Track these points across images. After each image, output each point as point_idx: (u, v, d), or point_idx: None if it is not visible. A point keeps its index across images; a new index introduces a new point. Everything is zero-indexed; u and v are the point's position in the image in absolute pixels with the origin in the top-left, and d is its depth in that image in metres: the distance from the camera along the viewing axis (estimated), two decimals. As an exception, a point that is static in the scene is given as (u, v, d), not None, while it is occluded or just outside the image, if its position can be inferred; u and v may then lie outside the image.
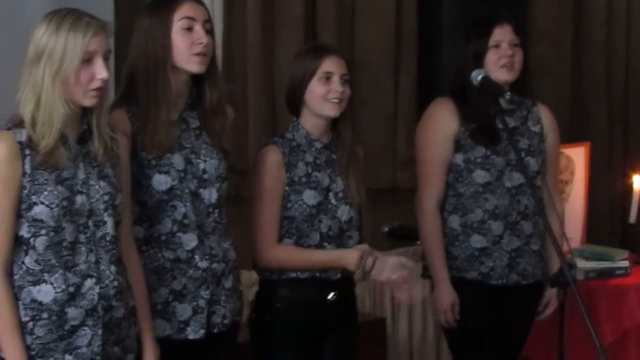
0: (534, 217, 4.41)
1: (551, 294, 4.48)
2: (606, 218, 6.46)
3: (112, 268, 3.44)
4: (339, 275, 4.06)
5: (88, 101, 3.36)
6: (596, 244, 5.46)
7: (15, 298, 3.36)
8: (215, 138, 3.79)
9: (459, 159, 4.40)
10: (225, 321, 3.82)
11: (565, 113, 6.71)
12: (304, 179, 4.02)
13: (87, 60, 3.32)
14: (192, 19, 3.69)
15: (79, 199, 3.39)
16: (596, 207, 5.80)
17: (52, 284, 3.36)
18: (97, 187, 3.42)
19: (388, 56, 6.87)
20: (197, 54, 3.67)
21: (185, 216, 3.71)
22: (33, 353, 3.35)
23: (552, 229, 4.10)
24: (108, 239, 3.44)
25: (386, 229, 5.67)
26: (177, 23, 3.67)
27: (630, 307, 5.04)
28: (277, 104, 5.97)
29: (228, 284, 3.82)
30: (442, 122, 4.42)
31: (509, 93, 4.33)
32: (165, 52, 3.66)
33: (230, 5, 6.19)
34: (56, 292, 3.36)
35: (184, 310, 3.72)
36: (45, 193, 3.34)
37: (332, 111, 4.01)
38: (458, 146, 4.39)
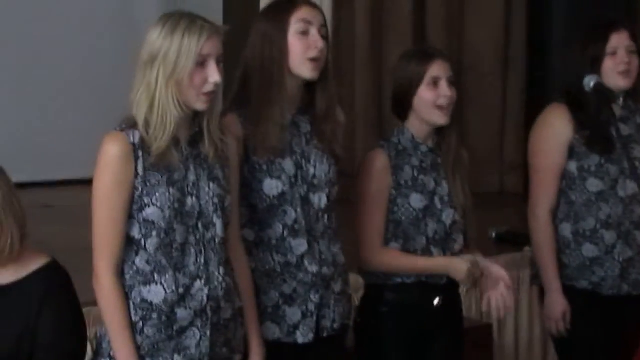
0: (648, 228, 4.37)
1: None
2: None
3: (221, 270, 3.46)
4: (444, 280, 4.05)
5: (200, 105, 3.38)
6: None
7: (126, 298, 3.40)
8: (326, 143, 3.79)
9: (573, 166, 4.37)
10: (335, 325, 3.81)
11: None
12: (410, 183, 4.02)
13: (201, 63, 3.34)
14: (308, 22, 3.68)
15: (190, 200, 3.42)
16: None
17: (162, 284, 3.40)
18: (207, 189, 3.44)
19: (497, 58, 6.89)
20: (312, 59, 3.66)
21: (295, 221, 3.71)
22: (143, 352, 3.39)
23: None
24: (217, 240, 3.46)
25: (494, 234, 5.65)
26: (294, 26, 3.67)
27: None
28: (384, 106, 5.99)
29: (337, 288, 3.81)
30: (557, 129, 4.38)
31: (622, 99, 4.31)
32: (281, 55, 3.66)
33: (338, 7, 6.23)
34: (166, 293, 3.39)
35: (293, 314, 3.72)
36: (157, 195, 3.37)
37: (442, 119, 4.01)
38: (572, 153, 4.36)
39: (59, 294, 3.41)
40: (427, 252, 4.03)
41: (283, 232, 3.72)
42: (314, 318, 3.75)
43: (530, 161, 4.53)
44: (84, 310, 3.54)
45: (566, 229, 4.41)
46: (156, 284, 3.40)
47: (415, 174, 4.03)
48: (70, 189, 6.32)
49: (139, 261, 3.41)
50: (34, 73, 6.95)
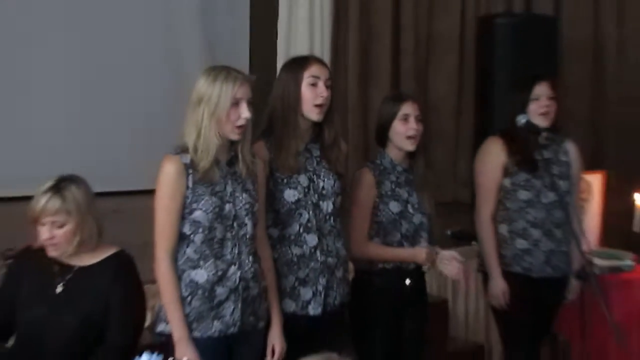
0: (564, 226, 4.35)
1: (575, 284, 4.43)
2: (616, 227, 6.36)
3: (250, 258, 3.46)
4: (413, 266, 4.04)
5: (234, 135, 3.38)
6: (608, 247, 5.39)
7: (178, 278, 3.39)
8: (332, 164, 3.78)
9: (507, 182, 4.37)
10: (336, 302, 3.79)
11: (587, 147, 6.63)
12: (389, 193, 4.01)
13: (235, 104, 3.35)
14: (317, 77, 3.68)
15: (227, 206, 3.41)
16: (608, 219, 5.72)
17: (205, 269, 3.39)
18: (240, 197, 3.44)
19: (453, 101, 6.86)
20: (317, 105, 3.66)
21: (308, 221, 3.70)
22: (190, 319, 3.38)
23: (576, 235, 4.09)
24: (247, 236, 3.45)
25: (449, 232, 5.63)
26: (306, 79, 3.66)
27: (635, 296, 4.99)
28: (370, 137, 5.97)
29: (339, 274, 3.79)
30: (494, 155, 4.39)
31: (545, 133, 4.32)
32: (296, 102, 3.66)
33: (335, 60, 6.22)
34: (208, 275, 3.39)
35: (306, 293, 3.71)
36: (203, 202, 3.37)
37: (411, 146, 4.01)
38: (506, 172, 4.37)
39: (125, 273, 3.42)
40: (400, 245, 4.01)
41: (299, 230, 3.70)
42: (322, 296, 3.73)
43: (475, 179, 4.54)
44: (145, 287, 3.54)
45: (503, 229, 4.41)
46: (201, 268, 3.40)
47: (393, 187, 4.02)
48: (135, 198, 6.26)
49: (189, 251, 3.40)
50: (108, 105, 6.89)
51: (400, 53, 6.68)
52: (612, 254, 5.19)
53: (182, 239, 3.40)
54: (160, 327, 3.46)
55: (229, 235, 3.42)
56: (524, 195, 4.35)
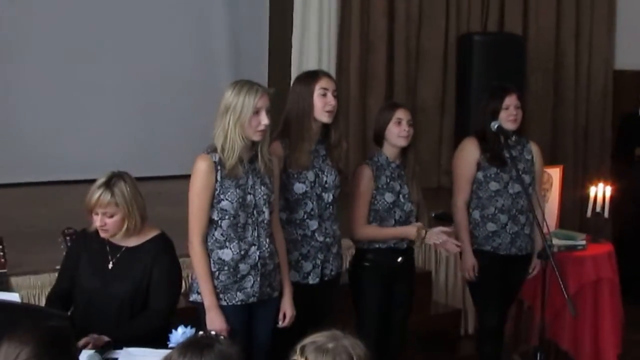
0: (527, 212, 4.33)
1: (536, 262, 4.40)
2: (571, 213, 6.37)
3: (267, 240, 3.46)
4: (405, 246, 4.03)
5: (256, 137, 3.38)
6: (565, 229, 5.37)
7: (208, 256, 3.40)
8: (335, 162, 3.76)
9: (480, 174, 4.33)
10: (332, 273, 3.79)
11: (547, 147, 6.63)
12: (384, 186, 3.98)
13: (256, 112, 3.34)
14: (326, 89, 3.65)
15: (249, 197, 3.41)
16: (566, 206, 5.70)
17: (230, 249, 3.40)
18: (260, 190, 3.43)
19: (437, 104, 6.86)
20: (328, 111, 3.65)
21: (312, 210, 3.69)
22: (218, 290, 3.40)
23: (538, 219, 4.07)
24: (265, 222, 3.45)
25: (433, 215, 5.60)
26: (317, 91, 3.64)
27: (586, 270, 4.96)
28: (367, 138, 5.97)
29: (334, 250, 3.79)
30: (469, 152, 4.35)
31: (514, 136, 4.31)
32: (308, 109, 3.64)
33: (340, 72, 6.22)
34: (233, 254, 3.39)
35: (307, 266, 3.71)
36: (229, 193, 3.37)
37: (403, 143, 3.99)
38: (479, 167, 4.32)
39: (165, 253, 3.41)
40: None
41: (303, 216, 3.69)
42: (320, 269, 3.73)
43: (453, 171, 4.49)
44: (180, 259, 3.52)
45: (476, 214, 4.38)
46: (227, 248, 3.41)
47: (388, 181, 4.00)
48: (173, 181, 6.27)
49: (217, 234, 3.41)
50: (154, 106, 6.90)
51: (393, 64, 6.68)
52: (568, 235, 5.16)
53: (211, 224, 3.40)
54: (193, 297, 3.48)
55: (250, 221, 3.41)
56: (493, 186, 4.32)
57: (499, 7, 7.00)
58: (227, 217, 3.38)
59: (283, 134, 3.68)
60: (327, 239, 3.74)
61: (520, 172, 4.26)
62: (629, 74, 7.32)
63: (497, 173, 4.31)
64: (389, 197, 3.98)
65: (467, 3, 6.87)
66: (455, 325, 5.33)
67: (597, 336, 4.95)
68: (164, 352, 2.82)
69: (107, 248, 3.38)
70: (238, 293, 3.42)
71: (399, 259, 4.02)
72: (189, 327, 2.79)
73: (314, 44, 6.07)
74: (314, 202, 3.69)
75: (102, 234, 3.33)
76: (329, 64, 6.00)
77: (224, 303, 3.40)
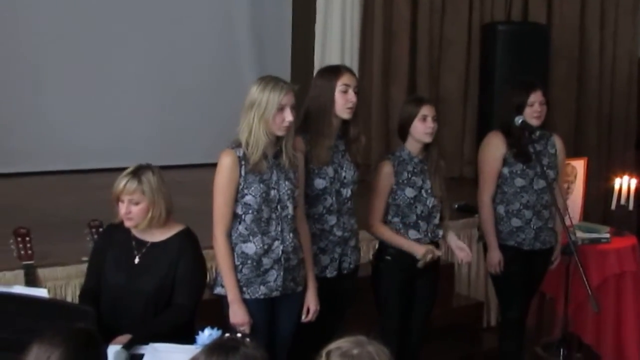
0: (551, 207, 4.30)
1: (558, 254, 4.39)
2: (596, 205, 6.32)
3: (291, 234, 3.45)
4: (428, 241, 3.96)
5: (280, 133, 3.36)
6: (589, 221, 5.33)
7: (232, 250, 3.40)
8: (353, 157, 3.74)
9: (506, 170, 4.30)
10: (350, 266, 3.77)
11: (571, 138, 6.59)
12: (405, 181, 3.94)
13: (280, 109, 3.32)
14: (347, 85, 3.61)
15: (273, 192, 3.40)
16: (590, 198, 5.66)
17: (254, 243, 3.39)
18: (283, 185, 3.42)
19: (460, 94, 6.83)
20: (349, 108, 3.62)
21: (331, 205, 3.67)
22: (241, 284, 3.40)
23: (561, 214, 4.04)
24: (289, 217, 3.44)
25: (455, 206, 5.59)
26: (339, 87, 3.60)
27: (610, 263, 4.94)
28: (390, 126, 5.96)
29: (352, 244, 3.76)
30: (495, 147, 4.31)
31: (537, 131, 4.28)
32: (329, 105, 3.61)
33: (363, 62, 6.20)
34: (257, 248, 3.39)
35: (325, 259, 3.69)
36: (253, 188, 3.36)
37: (428, 139, 3.94)
38: (505, 162, 4.28)
39: (189, 248, 3.39)
40: (416, 225, 3.95)
41: (322, 211, 3.67)
42: (337, 262, 3.72)
43: (479, 166, 4.44)
44: (204, 252, 3.50)
45: (501, 209, 4.34)
46: (250, 242, 3.40)
47: (409, 176, 3.95)
48: (195, 170, 6.28)
49: (241, 228, 3.40)
50: (176, 94, 6.92)
51: (416, 54, 6.65)
52: (592, 227, 5.13)
53: (235, 218, 3.39)
54: (217, 290, 3.48)
55: (273, 215, 3.40)
56: (519, 182, 4.28)
57: (523, -4, 6.96)
58: (250, 211, 3.38)
59: (303, 128, 3.65)
60: (345, 234, 3.72)
61: (545, 168, 4.23)
62: (655, 62, 7.27)
63: (523, 170, 4.27)
64: (409, 192, 3.95)
65: (490, -8, 6.82)
66: (478, 318, 5.32)
67: (620, 330, 4.93)
68: (189, 348, 2.86)
69: (133, 243, 3.38)
70: (261, 287, 3.41)
71: (419, 264, 3.95)
72: (215, 329, 2.80)
73: (336, 34, 6.06)
74: (333, 198, 3.67)
75: (127, 223, 3.33)
76: (352, 54, 5.98)
77: (247, 296, 3.40)
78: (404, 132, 4.00)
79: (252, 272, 3.40)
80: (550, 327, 5.09)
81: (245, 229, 3.39)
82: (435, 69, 6.73)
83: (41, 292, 3.39)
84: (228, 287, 3.39)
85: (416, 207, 3.95)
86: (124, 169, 3.40)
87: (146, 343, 3.12)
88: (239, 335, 2.26)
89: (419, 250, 3.91)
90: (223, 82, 6.68)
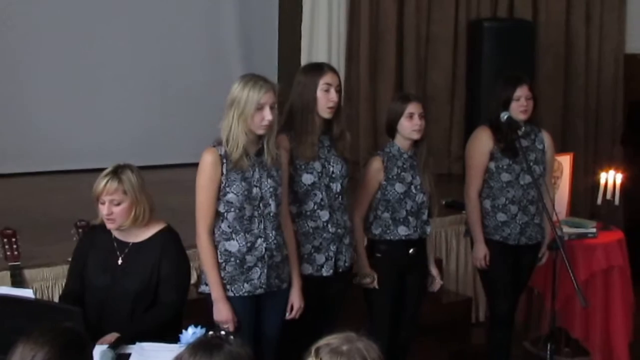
0: (537, 203, 4.28)
1: (545, 250, 4.38)
2: (582, 200, 6.30)
3: (274, 232, 3.42)
4: (417, 237, 3.97)
5: (260, 131, 3.34)
6: (575, 217, 5.31)
7: (215, 248, 3.38)
8: (340, 152, 3.71)
9: (492, 165, 4.28)
10: (346, 264, 3.74)
11: (558, 133, 6.57)
12: (395, 177, 3.93)
13: (260, 108, 3.30)
14: (330, 84, 3.59)
15: (255, 190, 3.37)
16: (576, 193, 5.64)
17: (237, 241, 3.37)
18: (266, 182, 3.40)
19: (447, 91, 6.81)
20: (329, 107, 3.60)
21: (322, 200, 3.64)
22: (225, 281, 3.38)
23: (547, 209, 4.02)
24: (272, 214, 3.41)
25: (443, 202, 5.57)
26: (321, 85, 3.58)
27: (597, 258, 4.90)
28: (379, 129, 5.93)
29: (346, 241, 3.74)
30: (482, 142, 4.29)
31: (523, 127, 4.26)
32: (312, 103, 3.59)
33: (349, 65, 6.17)
34: (240, 246, 3.37)
35: (320, 258, 3.66)
36: (235, 186, 3.34)
37: (416, 136, 3.93)
38: (492, 157, 4.27)
39: (172, 247, 3.37)
40: (406, 220, 3.93)
41: (313, 207, 3.64)
42: (333, 260, 3.69)
43: (466, 161, 4.43)
44: (188, 251, 3.48)
45: (487, 204, 4.32)
46: (233, 240, 3.38)
47: (399, 172, 3.94)
48: (184, 170, 6.23)
49: (223, 226, 3.38)
50: (163, 94, 6.89)
51: (403, 51, 6.62)
52: (579, 222, 5.10)
53: (217, 216, 3.37)
54: (202, 288, 3.47)
55: (256, 213, 3.38)
56: (505, 177, 4.26)
57: (509, -7, 6.93)
58: (233, 209, 3.35)
59: (288, 125, 3.63)
60: (339, 230, 3.69)
61: (532, 163, 4.21)
62: (640, 58, 7.24)
63: (510, 165, 4.25)
64: (399, 188, 3.93)
65: (476, -11, 6.80)
66: (466, 313, 5.31)
67: (608, 324, 4.90)
68: (176, 347, 2.82)
69: (115, 244, 3.35)
70: (245, 284, 3.39)
71: (411, 250, 3.97)
72: (199, 328, 2.76)
73: (323, 33, 6.03)
74: (323, 193, 3.64)
75: (109, 225, 3.29)
76: (339, 52, 5.95)
77: (231, 294, 3.38)
78: (391, 130, 3.99)
79: (236, 269, 3.38)
80: (538, 322, 5.07)
81: (228, 226, 3.37)
82: (422, 66, 6.71)
83: (27, 293, 3.35)
84: (212, 285, 3.37)
85: (406, 202, 3.93)
86: (112, 169, 3.36)
87: (133, 342, 3.09)
88: (223, 333, 2.21)
89: (366, 270, 3.92)
90: (210, 81, 6.63)
